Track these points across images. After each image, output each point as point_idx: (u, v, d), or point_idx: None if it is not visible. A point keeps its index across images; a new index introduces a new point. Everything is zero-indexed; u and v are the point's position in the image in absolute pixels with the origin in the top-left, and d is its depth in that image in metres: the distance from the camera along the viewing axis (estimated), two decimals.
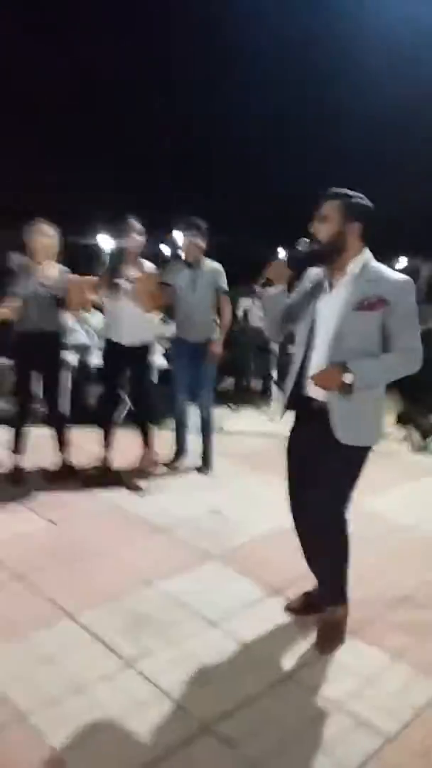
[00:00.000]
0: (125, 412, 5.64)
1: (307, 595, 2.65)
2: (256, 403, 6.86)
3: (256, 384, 7.50)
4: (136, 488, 4.04)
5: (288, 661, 2.31)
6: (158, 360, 5.80)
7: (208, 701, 2.07)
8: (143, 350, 4.17)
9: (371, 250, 2.30)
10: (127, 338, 4.08)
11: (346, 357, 2.19)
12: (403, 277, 2.25)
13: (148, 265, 4.14)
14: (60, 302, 3.92)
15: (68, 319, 6.78)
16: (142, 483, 4.11)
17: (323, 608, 2.48)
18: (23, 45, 14.29)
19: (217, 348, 4.40)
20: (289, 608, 2.63)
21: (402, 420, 5.92)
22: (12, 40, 13.71)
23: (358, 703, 2.10)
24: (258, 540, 3.31)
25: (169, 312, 4.62)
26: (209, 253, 4.43)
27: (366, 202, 2.28)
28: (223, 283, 4.37)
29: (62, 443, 4.17)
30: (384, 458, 5.20)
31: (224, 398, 6.91)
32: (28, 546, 3.13)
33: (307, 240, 2.26)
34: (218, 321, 4.45)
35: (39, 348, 3.89)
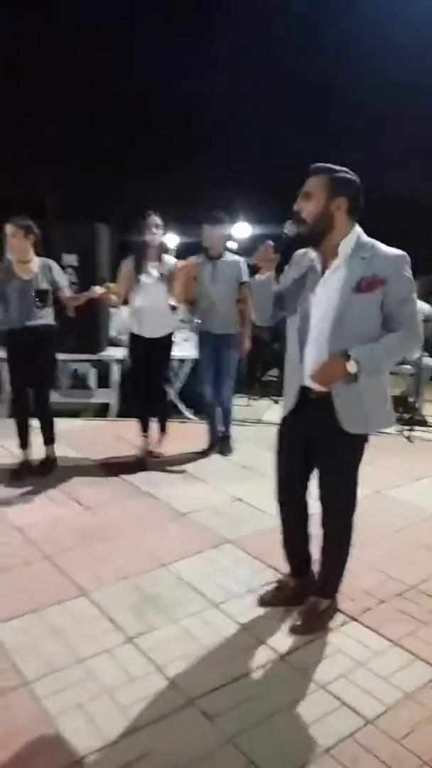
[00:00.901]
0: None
1: (279, 585, 2.67)
2: None
3: None
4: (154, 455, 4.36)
5: (283, 644, 2.37)
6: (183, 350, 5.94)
7: (198, 677, 2.16)
8: (163, 341, 4.32)
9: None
10: (149, 331, 4.25)
11: (347, 342, 2.13)
12: (397, 252, 2.16)
13: (170, 260, 4.26)
14: (44, 296, 3.91)
15: (123, 313, 7.10)
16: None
17: (302, 600, 2.51)
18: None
19: (245, 340, 4.50)
20: (263, 601, 2.63)
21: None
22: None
23: (345, 685, 2.14)
24: (275, 528, 3.34)
25: (192, 304, 4.73)
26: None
27: (352, 175, 2.18)
28: (245, 276, 4.39)
29: (47, 437, 4.21)
30: (412, 447, 5.12)
31: (268, 389, 6.95)
32: (61, 528, 3.34)
33: (292, 222, 2.16)
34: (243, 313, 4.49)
35: (24, 343, 3.92)
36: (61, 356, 5.97)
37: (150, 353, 4.33)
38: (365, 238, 2.20)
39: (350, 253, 2.17)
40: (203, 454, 4.68)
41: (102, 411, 6.08)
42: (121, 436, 5.04)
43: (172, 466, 4.39)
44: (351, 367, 2.10)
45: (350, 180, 2.18)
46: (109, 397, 6.02)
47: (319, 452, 2.35)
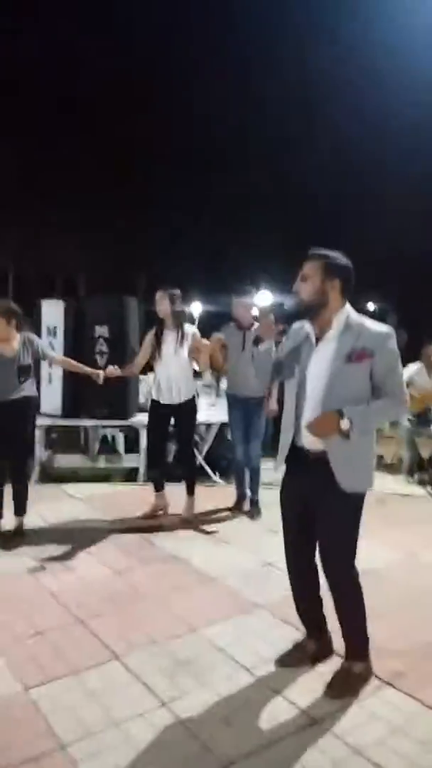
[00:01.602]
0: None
1: (297, 646, 2.69)
2: None
3: None
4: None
5: (318, 709, 2.36)
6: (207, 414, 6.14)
7: (232, 742, 2.16)
8: (183, 406, 4.54)
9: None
10: (167, 397, 4.51)
11: (339, 404, 2.31)
12: (383, 327, 2.39)
13: (189, 329, 4.58)
14: (26, 372, 4.12)
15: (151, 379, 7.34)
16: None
17: (320, 660, 2.55)
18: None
19: (271, 403, 4.68)
20: (281, 663, 2.64)
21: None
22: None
23: (381, 750, 2.12)
24: None
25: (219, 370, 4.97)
26: None
27: (345, 260, 2.44)
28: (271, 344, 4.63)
29: (18, 507, 4.24)
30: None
31: None
32: (90, 592, 3.39)
33: (291, 298, 2.46)
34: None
35: (3, 415, 4.03)
36: (90, 422, 6.20)
37: (169, 418, 4.58)
38: (354, 314, 2.44)
39: (343, 327, 2.40)
40: (230, 511, 4.81)
41: (131, 475, 6.18)
42: (150, 500, 5.11)
43: (201, 530, 4.43)
44: (344, 424, 2.28)
45: (343, 265, 2.44)
46: (138, 461, 6.13)
47: (318, 513, 2.45)
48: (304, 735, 2.20)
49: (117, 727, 2.26)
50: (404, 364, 6.93)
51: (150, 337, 4.63)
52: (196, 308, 21.99)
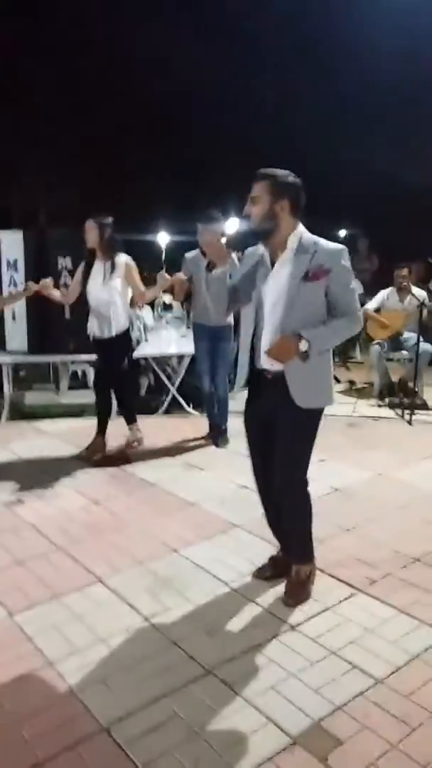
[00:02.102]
0: (168, 398, 5.94)
1: (272, 559, 2.79)
2: None
3: None
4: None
5: (294, 616, 2.47)
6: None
7: (214, 650, 2.26)
8: (113, 341, 4.41)
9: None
10: (98, 332, 4.42)
11: (298, 325, 2.33)
12: (337, 245, 2.39)
13: (121, 258, 4.36)
14: None
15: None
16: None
17: (289, 570, 2.64)
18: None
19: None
20: (258, 575, 2.76)
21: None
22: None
23: (355, 650, 2.24)
24: None
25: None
26: None
27: (293, 178, 2.39)
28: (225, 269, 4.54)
29: None
30: (413, 430, 5.24)
31: None
32: (72, 522, 3.43)
33: (243, 222, 2.42)
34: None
35: None
36: (58, 358, 6.12)
37: (103, 353, 4.51)
38: (308, 235, 2.42)
39: (296, 247, 2.39)
40: (203, 440, 4.85)
41: None
42: (124, 432, 5.14)
43: (177, 459, 4.49)
44: (303, 345, 2.31)
45: (291, 183, 2.39)
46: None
47: (276, 429, 2.50)
48: (281, 639, 2.31)
49: (102, 642, 2.33)
50: (375, 291, 6.99)
51: (80, 268, 4.46)
52: (163, 238, 21.43)
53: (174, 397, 6.04)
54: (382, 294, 6.46)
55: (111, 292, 4.33)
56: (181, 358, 6.29)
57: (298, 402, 2.38)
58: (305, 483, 2.54)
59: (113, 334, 4.39)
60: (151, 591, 2.68)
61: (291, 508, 2.57)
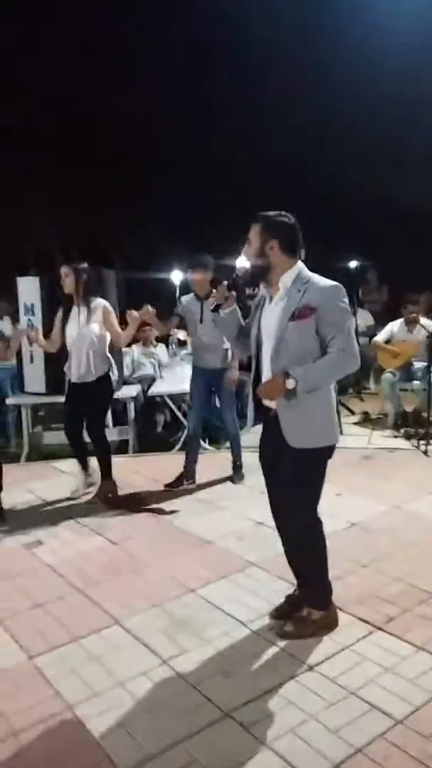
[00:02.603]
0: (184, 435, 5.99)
1: (288, 598, 2.78)
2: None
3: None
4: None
5: (312, 656, 2.46)
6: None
7: (232, 692, 2.26)
8: (93, 385, 4.40)
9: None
10: (76, 376, 4.41)
11: (287, 363, 2.38)
12: (329, 282, 2.42)
13: (99, 303, 4.43)
14: None
15: (135, 352, 7.34)
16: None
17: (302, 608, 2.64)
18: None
19: (232, 373, 4.64)
20: (275, 615, 2.74)
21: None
22: None
23: (374, 690, 2.22)
24: None
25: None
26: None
27: (284, 218, 2.47)
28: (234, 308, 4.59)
29: None
30: (429, 461, 5.21)
31: None
32: (88, 563, 3.46)
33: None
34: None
35: None
36: None
37: (81, 398, 4.43)
38: (305, 273, 2.48)
39: (290, 286, 2.45)
40: (173, 483, 4.73)
41: (121, 448, 6.23)
42: (141, 471, 5.20)
43: (194, 497, 4.52)
44: (289, 383, 2.35)
45: (281, 223, 2.48)
46: (127, 434, 6.18)
47: (278, 469, 2.54)
48: (299, 680, 2.31)
49: (121, 686, 2.34)
50: (385, 321, 7.02)
51: (59, 315, 4.49)
52: (177, 276, 21.67)
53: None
54: (391, 326, 6.53)
55: (89, 336, 4.34)
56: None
57: (289, 441, 2.43)
58: (310, 526, 2.54)
59: (93, 378, 4.40)
60: (167, 632, 2.69)
61: (298, 550, 2.59)
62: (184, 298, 4.73)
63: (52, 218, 17.29)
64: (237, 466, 4.87)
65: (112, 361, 4.62)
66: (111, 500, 4.46)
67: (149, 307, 4.37)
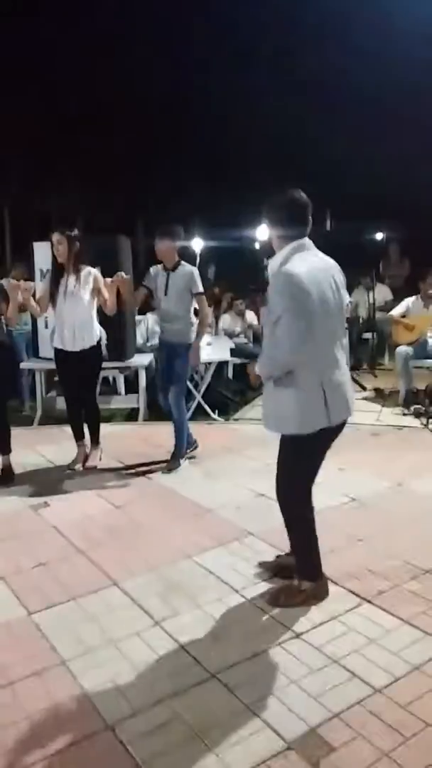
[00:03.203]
0: (194, 405, 6.04)
1: (278, 558, 2.92)
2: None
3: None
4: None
5: (300, 624, 2.52)
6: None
7: (219, 655, 2.34)
8: (85, 354, 4.38)
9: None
10: (68, 344, 4.37)
11: (262, 350, 2.52)
12: (276, 270, 2.43)
13: (89, 271, 4.37)
14: None
15: (149, 320, 7.37)
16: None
17: (292, 575, 2.74)
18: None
19: (196, 349, 4.46)
20: (262, 565, 2.93)
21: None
22: None
23: (357, 659, 2.28)
24: None
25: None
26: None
27: (277, 199, 2.52)
28: (197, 286, 4.41)
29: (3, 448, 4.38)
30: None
31: None
32: (92, 525, 3.56)
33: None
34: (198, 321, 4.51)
35: None
36: None
37: (74, 366, 4.41)
38: (279, 258, 2.47)
39: (273, 273, 2.50)
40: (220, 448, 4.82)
41: (131, 415, 6.32)
42: (148, 439, 5.27)
43: (199, 466, 4.58)
44: (253, 369, 2.51)
45: (270, 206, 2.51)
46: (138, 401, 6.25)
47: None
48: (285, 647, 2.38)
49: (114, 644, 2.44)
50: (406, 296, 6.94)
51: (47, 279, 4.45)
52: (197, 244, 21.67)
53: (200, 404, 6.13)
54: (407, 301, 6.45)
55: (80, 305, 4.31)
56: (207, 365, 6.38)
57: (264, 424, 2.56)
58: (294, 505, 2.64)
59: (85, 347, 4.37)
60: (162, 596, 2.77)
61: (288, 528, 2.68)
62: (152, 269, 4.52)
63: (78, 183, 17.34)
64: (174, 454, 4.56)
65: (101, 329, 4.58)
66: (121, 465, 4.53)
67: (122, 274, 4.29)
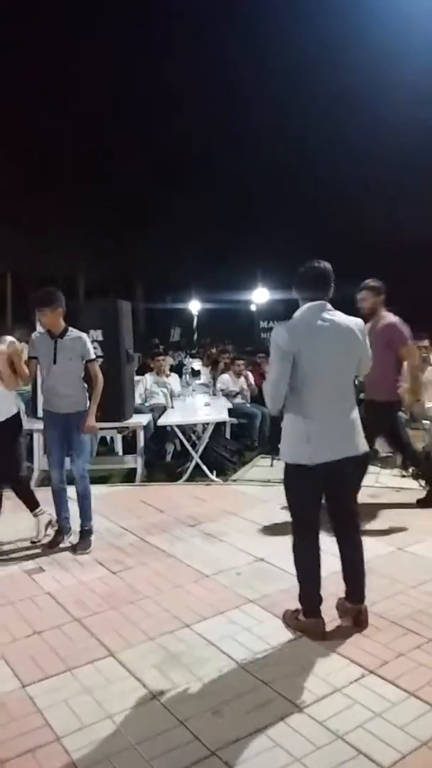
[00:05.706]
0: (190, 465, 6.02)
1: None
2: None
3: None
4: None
5: (304, 697, 2.45)
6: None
7: (220, 730, 2.26)
8: (5, 425, 4.09)
9: None
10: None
11: None
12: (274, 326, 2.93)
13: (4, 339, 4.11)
14: None
15: (148, 380, 7.44)
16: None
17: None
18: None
19: (90, 419, 4.14)
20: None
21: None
22: None
23: (362, 735, 2.21)
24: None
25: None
26: None
27: (302, 268, 2.91)
28: (88, 352, 4.17)
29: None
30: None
31: None
32: (88, 592, 3.49)
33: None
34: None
35: None
36: None
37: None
38: (297, 314, 2.87)
39: None
40: (219, 510, 4.77)
41: (129, 476, 6.28)
42: (146, 500, 5.23)
43: (197, 529, 4.53)
44: None
45: (295, 272, 2.91)
46: (136, 462, 6.23)
47: None
48: (288, 722, 2.30)
49: (110, 719, 2.36)
50: None
51: None
52: (195, 306, 22.23)
53: (197, 465, 6.12)
54: None
55: None
56: (206, 425, 6.41)
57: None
58: (292, 530, 2.93)
59: (5, 417, 4.10)
60: (160, 667, 2.70)
61: None
62: (35, 336, 4.24)
63: (79, 251, 17.90)
64: (84, 532, 4.19)
65: (19, 401, 4.40)
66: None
67: (16, 343, 4.09)
